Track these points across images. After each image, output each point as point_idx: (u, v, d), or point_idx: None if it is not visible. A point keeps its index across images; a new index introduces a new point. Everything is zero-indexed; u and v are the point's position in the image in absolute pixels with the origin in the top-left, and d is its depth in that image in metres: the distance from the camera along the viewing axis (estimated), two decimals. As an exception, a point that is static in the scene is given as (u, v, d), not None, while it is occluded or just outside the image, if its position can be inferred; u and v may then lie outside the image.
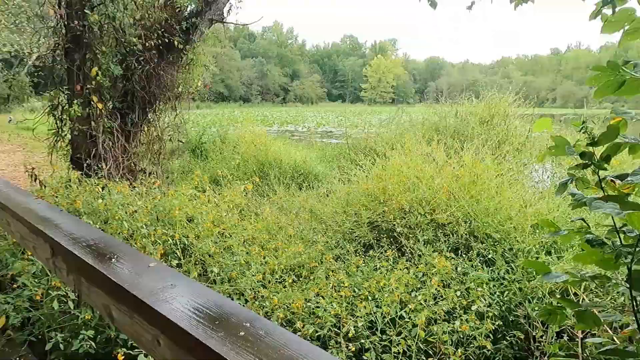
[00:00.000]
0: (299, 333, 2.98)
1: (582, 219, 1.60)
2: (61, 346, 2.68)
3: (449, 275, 3.54)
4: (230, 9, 6.07)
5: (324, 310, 3.09)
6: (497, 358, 3.12)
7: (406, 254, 3.89)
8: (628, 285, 1.45)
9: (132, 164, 5.67)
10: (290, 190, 5.90)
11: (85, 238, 1.42)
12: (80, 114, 5.05)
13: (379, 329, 3.02)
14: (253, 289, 3.27)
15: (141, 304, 1.01)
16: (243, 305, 3.16)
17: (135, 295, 1.05)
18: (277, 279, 3.45)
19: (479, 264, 3.69)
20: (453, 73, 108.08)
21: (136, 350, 2.55)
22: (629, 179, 1.65)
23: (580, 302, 3.26)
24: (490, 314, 3.21)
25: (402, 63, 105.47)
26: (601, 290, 3.26)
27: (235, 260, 3.59)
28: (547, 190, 5.18)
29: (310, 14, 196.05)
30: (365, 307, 3.12)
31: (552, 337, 3.03)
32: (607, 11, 2.19)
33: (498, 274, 3.64)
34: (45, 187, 4.43)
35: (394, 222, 4.22)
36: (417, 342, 2.90)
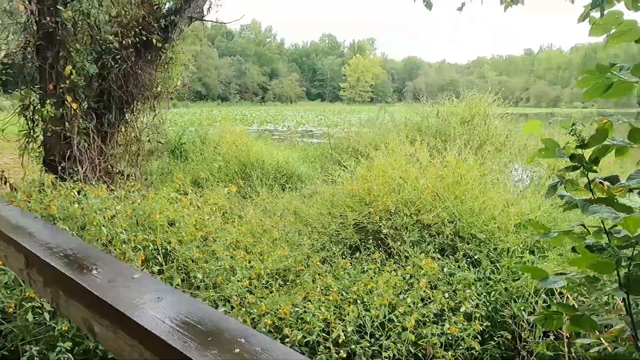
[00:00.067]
0: (287, 340, 2.91)
1: (582, 225, 1.58)
2: (37, 359, 2.54)
3: (435, 277, 3.54)
4: (210, 7, 5.94)
5: (313, 315, 3.04)
6: (485, 358, 3.13)
7: (393, 256, 3.87)
8: (625, 290, 1.45)
9: (109, 166, 5.48)
10: (274, 192, 5.81)
11: (62, 247, 1.34)
12: (53, 115, 4.84)
13: (368, 333, 2.99)
14: (239, 295, 3.18)
15: (125, 319, 0.94)
16: (229, 312, 3.08)
17: (118, 310, 0.99)
18: (263, 284, 3.37)
19: (465, 265, 3.71)
20: (430, 73, 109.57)
21: (118, 363, 2.43)
22: (626, 182, 1.65)
23: (565, 302, 3.31)
24: (478, 315, 3.22)
25: (381, 62, 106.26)
26: (585, 290, 3.31)
27: (220, 265, 3.50)
28: (527, 189, 5.26)
29: (290, 12, 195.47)
30: (353, 310, 3.08)
31: (539, 337, 3.05)
32: (596, 14, 2.21)
33: (484, 274, 3.66)
34: (16, 191, 4.23)
35: (380, 224, 4.19)
36: (407, 346, 2.88)
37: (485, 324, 3.10)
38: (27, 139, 5.12)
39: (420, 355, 2.94)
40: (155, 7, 5.55)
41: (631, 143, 2.02)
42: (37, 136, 5.18)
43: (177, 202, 4.33)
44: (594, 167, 2.07)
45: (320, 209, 4.73)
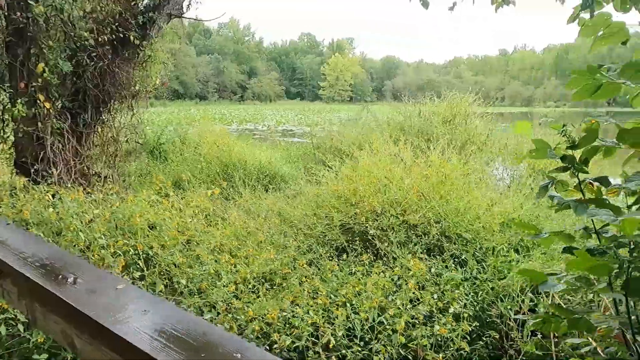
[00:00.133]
0: (276, 346, 2.85)
1: (585, 228, 1.57)
2: (11, 375, 2.40)
3: (423, 277, 3.53)
4: (190, 4, 5.79)
5: (301, 319, 2.98)
6: (474, 358, 3.13)
7: (382, 257, 3.85)
8: (624, 292, 1.44)
9: (85, 168, 5.28)
10: (257, 193, 5.72)
11: (38, 256, 1.25)
12: (25, 114, 4.62)
13: (358, 336, 2.94)
14: (225, 300, 3.09)
15: (109, 334, 0.88)
16: (215, 319, 2.99)
17: (102, 325, 0.91)
18: (250, 288, 3.29)
19: (453, 265, 3.71)
20: (408, 72, 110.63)
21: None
22: (624, 184, 1.65)
23: (551, 301, 3.35)
24: (466, 315, 3.22)
25: (360, 62, 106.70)
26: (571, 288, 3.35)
27: (205, 270, 3.40)
28: (510, 188, 5.32)
29: (269, 9, 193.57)
30: (341, 314, 3.03)
31: (527, 336, 3.07)
32: (586, 15, 2.22)
33: (471, 274, 3.67)
34: (-15, 195, 4.01)
35: (367, 224, 4.16)
36: (397, 349, 2.85)
37: (474, 324, 3.10)
38: (-4, 140, 4.88)
39: (410, 357, 2.92)
40: (132, 4, 5.37)
41: (620, 144, 2.03)
42: (8, 137, 4.94)
43: (158, 205, 4.19)
44: (585, 168, 2.08)
45: (305, 210, 4.67)
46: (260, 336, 2.90)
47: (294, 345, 2.89)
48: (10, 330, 2.62)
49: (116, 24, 5.17)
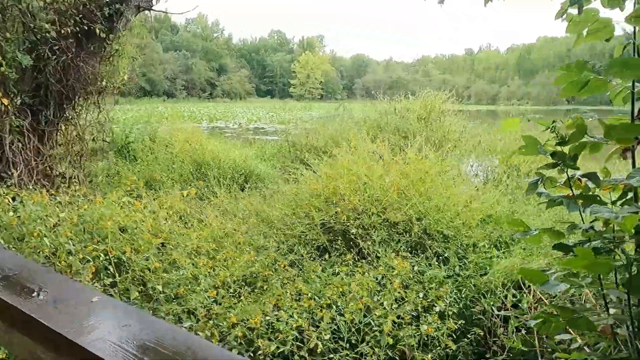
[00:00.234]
0: (260, 352, 2.73)
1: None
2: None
3: (407, 276, 3.49)
4: (159, -4, 5.54)
5: (286, 323, 2.88)
6: (459, 356, 3.12)
7: (365, 256, 3.79)
8: (626, 290, 1.42)
9: (48, 168, 4.97)
10: (232, 192, 5.55)
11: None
12: (-21, 111, 4.29)
13: (345, 338, 2.87)
14: (205, 306, 2.95)
15: (82, 352, 0.79)
16: (194, 326, 2.84)
17: (78, 344, 0.82)
18: (231, 293, 3.15)
19: (436, 262, 3.69)
20: (378, 70, 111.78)
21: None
22: (627, 181, 1.63)
23: (533, 295, 3.38)
24: (450, 312, 3.20)
25: (330, 60, 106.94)
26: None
27: (182, 275, 3.23)
28: (487, 184, 5.39)
29: (238, 3, 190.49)
30: (325, 315, 2.95)
31: (511, 332, 3.08)
32: (573, 10, 2.21)
33: (453, 271, 3.66)
34: (-64, 199, 3.69)
35: (348, 223, 4.09)
36: (385, 350, 2.80)
37: (459, 322, 3.08)
38: (-52, 139, 4.51)
39: (397, 358, 2.87)
40: (98, -6, 5.08)
41: (607, 140, 2.03)
42: (-39, 136, 4.58)
43: (129, 207, 3.98)
44: (575, 165, 2.07)
45: (284, 210, 4.55)
46: (243, 342, 2.78)
47: (279, 351, 2.78)
48: (-33, 347, 2.39)
49: (80, 15, 4.87)
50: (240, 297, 3.16)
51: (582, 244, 2.03)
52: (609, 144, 2.07)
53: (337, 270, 3.50)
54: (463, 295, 3.47)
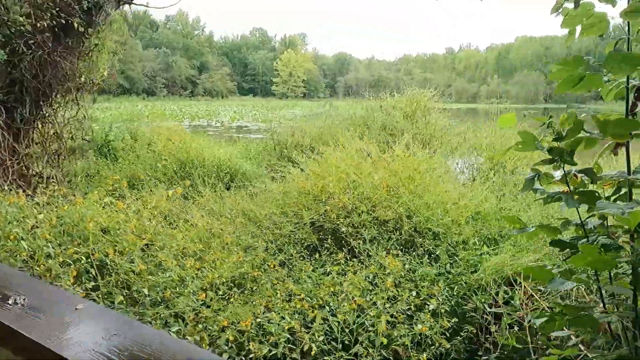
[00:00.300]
0: (252, 355, 2.65)
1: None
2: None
3: (399, 274, 3.46)
4: (140, -11, 5.37)
5: (277, 325, 2.80)
6: (452, 354, 3.09)
7: (356, 255, 3.73)
8: (632, 287, 1.40)
9: (24, 168, 4.76)
10: (218, 192, 5.43)
11: None
12: (-50, 108, 4.08)
13: (338, 340, 2.81)
14: (193, 309, 2.85)
15: None
16: (183, 330, 2.74)
17: (64, 358, 0.75)
18: (220, 295, 3.06)
19: (427, 260, 3.67)
20: (360, 69, 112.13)
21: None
22: (632, 176, 1.61)
23: (524, 291, 3.39)
24: (443, 310, 3.18)
25: (312, 58, 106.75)
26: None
27: (168, 277, 3.12)
28: (474, 181, 5.41)
29: (222, 0, 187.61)
30: (317, 316, 2.89)
31: (504, 329, 3.07)
32: (569, 4, 2.20)
33: (445, 269, 3.64)
34: None
35: (337, 222, 4.04)
36: (379, 350, 2.75)
37: (453, 320, 3.06)
38: None
39: (391, 358, 2.83)
40: (75, -13, 4.89)
41: (602, 135, 2.01)
42: None
43: (111, 207, 3.83)
44: (573, 160, 2.06)
45: (271, 209, 4.46)
46: (234, 346, 2.70)
47: (271, 354, 2.71)
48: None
49: (57, 8, 4.67)
50: (229, 299, 3.06)
51: (578, 239, 2.02)
52: (603, 139, 2.06)
53: (328, 270, 3.44)
54: (454, 293, 3.45)
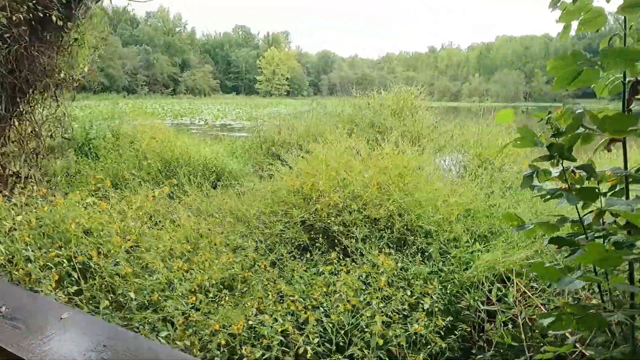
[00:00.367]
0: (245, 359, 2.57)
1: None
2: None
3: (392, 273, 3.42)
4: (122, -17, 5.19)
5: (270, 327, 2.72)
6: (447, 353, 3.06)
7: (348, 254, 3.68)
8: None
9: (0, 168, 4.56)
10: (204, 191, 5.30)
11: None
12: None
13: (333, 341, 2.75)
14: (183, 313, 2.75)
15: None
16: (170, 337, 2.64)
17: None
18: (211, 297, 2.96)
19: (420, 258, 3.63)
20: (344, 67, 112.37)
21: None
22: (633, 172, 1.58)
23: (516, 288, 3.38)
24: (437, 309, 3.15)
25: (296, 56, 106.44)
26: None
27: (155, 279, 3.01)
28: (463, 178, 5.40)
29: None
30: (311, 317, 2.82)
31: (499, 326, 3.06)
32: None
33: (437, 267, 3.62)
34: None
35: (328, 221, 3.97)
36: (375, 351, 2.70)
37: (448, 319, 3.03)
38: None
39: (387, 359, 2.78)
40: (53, -22, 4.69)
41: (600, 131, 2.00)
42: None
43: (94, 207, 3.69)
44: (572, 156, 2.04)
45: (260, 207, 4.37)
46: (226, 350, 2.61)
47: (264, 357, 2.63)
48: None
49: (34, 1, 4.48)
50: (220, 301, 2.97)
51: (575, 236, 2.00)
52: (601, 135, 2.05)
53: (320, 270, 3.38)
54: (447, 291, 3.43)
